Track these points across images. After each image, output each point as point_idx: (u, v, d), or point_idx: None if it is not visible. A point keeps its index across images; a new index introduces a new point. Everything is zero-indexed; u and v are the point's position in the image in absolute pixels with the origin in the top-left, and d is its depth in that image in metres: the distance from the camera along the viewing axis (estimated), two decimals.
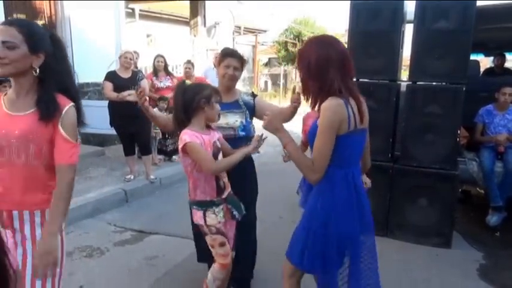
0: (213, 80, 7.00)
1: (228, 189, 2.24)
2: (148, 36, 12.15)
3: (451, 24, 3.32)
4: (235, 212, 2.23)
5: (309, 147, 1.90)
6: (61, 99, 1.55)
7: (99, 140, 6.44)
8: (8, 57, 1.43)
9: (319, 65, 1.68)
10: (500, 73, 5.96)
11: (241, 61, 2.53)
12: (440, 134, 3.45)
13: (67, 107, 1.54)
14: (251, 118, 2.59)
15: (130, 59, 4.95)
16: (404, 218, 3.61)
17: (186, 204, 2.34)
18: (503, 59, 6.19)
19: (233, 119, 2.47)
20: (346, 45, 2.20)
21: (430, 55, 3.41)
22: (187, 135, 2.02)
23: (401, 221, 3.62)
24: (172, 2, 10.54)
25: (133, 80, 4.85)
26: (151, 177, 5.16)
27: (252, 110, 2.58)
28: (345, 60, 1.70)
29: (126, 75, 4.86)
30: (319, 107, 1.67)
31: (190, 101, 2.09)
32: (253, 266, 2.83)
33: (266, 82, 21.28)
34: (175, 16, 11.72)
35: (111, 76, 4.81)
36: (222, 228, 2.21)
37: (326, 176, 1.68)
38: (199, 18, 9.55)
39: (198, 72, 6.86)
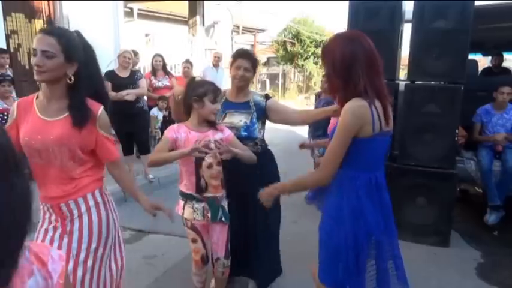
0: (213, 79, 7.01)
1: (216, 193, 2.24)
2: (147, 35, 12.13)
3: (450, 23, 3.33)
4: (220, 216, 2.27)
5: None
6: (92, 104, 1.65)
7: None
8: (45, 66, 1.51)
9: (344, 63, 1.60)
10: (498, 72, 5.98)
11: (253, 62, 2.52)
12: (439, 134, 3.46)
13: (99, 111, 1.66)
14: (262, 120, 2.58)
15: (129, 59, 4.95)
16: (402, 217, 3.60)
17: None
18: (501, 59, 6.21)
19: (238, 119, 2.49)
20: None
21: (429, 54, 3.42)
22: (169, 128, 2.22)
23: (400, 220, 3.57)
24: (171, 1, 10.53)
25: (132, 80, 4.85)
26: (150, 176, 5.17)
27: (262, 112, 2.55)
28: (373, 57, 1.61)
29: (124, 74, 4.86)
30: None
31: (186, 97, 2.20)
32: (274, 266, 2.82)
33: (265, 82, 21.27)
34: (174, 15, 11.71)
35: (109, 75, 4.80)
36: (197, 226, 2.30)
37: (349, 180, 1.64)
38: (197, 18, 9.53)
39: (196, 72, 6.86)
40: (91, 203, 1.71)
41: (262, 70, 22.60)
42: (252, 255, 2.60)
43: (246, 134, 2.48)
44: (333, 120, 2.71)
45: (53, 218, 1.68)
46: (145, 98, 5.42)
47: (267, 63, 24.80)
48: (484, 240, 3.71)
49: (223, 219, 2.29)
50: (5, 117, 4.44)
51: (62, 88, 1.60)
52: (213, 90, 2.17)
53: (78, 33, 1.68)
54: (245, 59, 2.49)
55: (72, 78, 1.59)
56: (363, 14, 3.59)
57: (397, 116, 3.73)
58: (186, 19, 11.18)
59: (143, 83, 5.02)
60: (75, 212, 1.67)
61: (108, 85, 4.75)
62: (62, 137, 1.58)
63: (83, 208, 1.68)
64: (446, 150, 3.45)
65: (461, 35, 3.30)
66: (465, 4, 3.29)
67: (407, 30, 3.77)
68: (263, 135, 2.63)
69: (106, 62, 6.00)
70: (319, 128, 4.60)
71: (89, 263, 1.66)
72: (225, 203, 2.31)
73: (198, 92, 2.15)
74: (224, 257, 2.34)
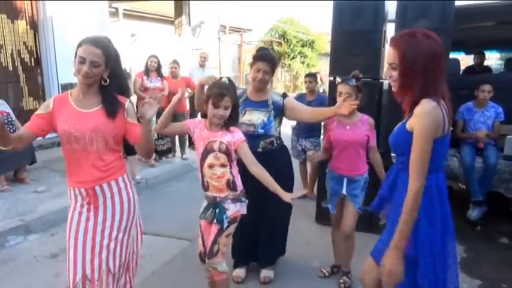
0: (198, 79, 6.99)
1: (219, 193, 2.23)
2: (132, 35, 12.03)
3: (431, 23, 3.38)
4: (214, 218, 2.25)
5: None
6: (120, 98, 1.95)
7: None
8: (92, 73, 1.81)
9: (426, 61, 1.56)
10: (480, 71, 6.11)
11: (272, 64, 2.66)
12: None
13: (126, 103, 1.96)
14: (279, 118, 2.76)
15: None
16: None
17: (173, 204, 2.40)
18: (483, 57, 6.35)
19: (256, 117, 2.64)
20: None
21: None
22: (194, 119, 2.39)
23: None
24: (157, 1, 10.47)
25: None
26: (137, 177, 5.14)
27: (280, 110, 2.73)
28: (442, 56, 1.58)
29: None
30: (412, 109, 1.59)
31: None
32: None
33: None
34: (159, 15, 11.62)
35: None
36: (201, 223, 2.35)
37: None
38: (184, 18, 9.52)
39: (183, 72, 6.84)
40: (122, 185, 1.98)
41: (248, 69, 22.62)
42: (260, 241, 2.86)
43: (262, 131, 2.65)
44: (330, 126, 2.77)
45: (85, 200, 1.91)
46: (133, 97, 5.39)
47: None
48: (467, 235, 3.80)
49: (214, 221, 2.24)
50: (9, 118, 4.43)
51: (96, 86, 1.89)
52: (216, 94, 2.13)
53: (108, 39, 1.93)
54: (265, 62, 2.63)
55: (107, 80, 1.88)
56: (348, 14, 3.64)
57: (381, 114, 3.80)
58: (172, 19, 11.14)
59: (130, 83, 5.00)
60: (108, 193, 1.93)
61: None
62: (98, 125, 1.86)
63: (115, 190, 1.95)
64: None
65: (443, 35, 3.33)
66: (446, 4, 3.37)
67: (390, 29, 3.84)
68: (279, 132, 2.81)
69: None
70: (305, 130, 4.73)
71: (120, 236, 1.94)
72: (229, 205, 2.23)
73: (206, 93, 2.22)
74: (207, 258, 2.28)
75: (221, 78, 2.30)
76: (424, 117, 1.53)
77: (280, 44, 20.50)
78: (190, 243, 3.55)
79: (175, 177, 5.85)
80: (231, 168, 2.22)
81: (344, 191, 2.72)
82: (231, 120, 2.24)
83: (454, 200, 3.83)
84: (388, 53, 1.68)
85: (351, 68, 3.62)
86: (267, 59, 2.65)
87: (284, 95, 2.83)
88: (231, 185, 2.23)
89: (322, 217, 3.96)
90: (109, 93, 1.90)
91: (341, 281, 2.86)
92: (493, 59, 13.26)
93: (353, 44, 3.64)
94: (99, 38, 1.90)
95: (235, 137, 2.20)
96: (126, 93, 2.03)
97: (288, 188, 2.74)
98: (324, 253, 3.24)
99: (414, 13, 3.45)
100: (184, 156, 6.53)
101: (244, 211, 2.30)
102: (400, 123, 1.75)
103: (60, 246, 3.41)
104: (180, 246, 3.51)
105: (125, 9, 10.80)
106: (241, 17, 17.30)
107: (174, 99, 2.25)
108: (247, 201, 2.31)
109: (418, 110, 1.56)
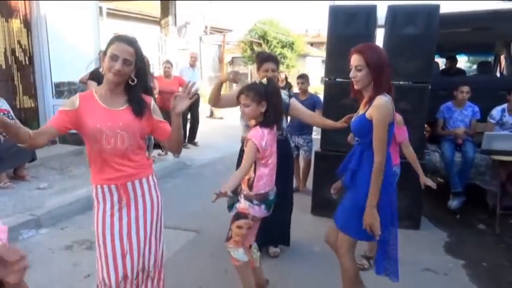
0: (189, 78, 7.16)
1: (242, 184, 2.41)
2: (114, 34, 12.01)
3: (418, 29, 3.72)
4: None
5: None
6: (145, 97, 1.97)
7: (76, 139, 6.41)
8: (123, 71, 1.82)
9: (385, 63, 2.11)
10: (455, 73, 6.56)
11: (276, 62, 2.94)
12: (410, 128, 3.83)
13: (151, 102, 1.99)
14: (286, 113, 3.02)
15: None
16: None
17: (172, 199, 2.62)
18: (455, 61, 6.83)
19: None
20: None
21: (400, 57, 3.79)
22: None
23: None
24: (141, 1, 10.53)
25: None
26: None
27: (286, 107, 3.00)
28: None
29: None
30: (370, 103, 2.09)
31: None
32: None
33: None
34: (144, 15, 11.67)
35: (96, 75, 4.88)
36: None
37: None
38: (170, 18, 9.63)
39: (174, 72, 6.99)
40: (151, 183, 2.04)
41: (227, 70, 22.79)
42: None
43: None
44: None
45: (115, 198, 1.93)
46: None
47: (231, 62, 25.00)
48: (449, 223, 4.17)
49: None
50: (9, 115, 4.45)
51: (123, 85, 1.91)
52: (240, 91, 2.35)
53: (135, 39, 1.92)
54: (270, 61, 2.88)
55: (135, 79, 1.90)
56: (342, 19, 3.93)
57: None
58: (156, 19, 11.21)
59: None
60: (139, 191, 1.97)
61: (94, 84, 4.83)
62: (128, 123, 1.88)
63: (145, 187, 2.00)
64: (417, 143, 3.83)
65: (428, 40, 3.71)
66: (431, 12, 3.70)
67: (379, 34, 4.15)
68: (284, 128, 3.12)
69: (84, 61, 6.02)
70: (298, 127, 4.97)
71: (153, 235, 2.02)
72: (241, 199, 2.41)
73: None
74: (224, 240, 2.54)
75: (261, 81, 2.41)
76: (381, 108, 2.03)
77: (260, 44, 20.78)
78: (197, 234, 3.75)
79: (170, 174, 5.98)
80: (255, 167, 2.35)
81: None
82: (265, 119, 2.34)
83: (436, 192, 4.22)
84: (354, 58, 2.14)
85: (345, 69, 3.92)
86: (271, 58, 2.96)
87: (290, 95, 3.14)
88: (249, 183, 2.38)
89: (318, 209, 4.24)
90: (136, 93, 1.91)
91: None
92: (462, 62, 14.07)
93: (347, 47, 3.90)
94: (130, 36, 1.92)
95: (249, 134, 2.33)
96: (149, 92, 2.05)
97: (287, 178, 3.08)
98: (322, 240, 3.50)
99: (402, 19, 3.77)
100: (176, 154, 6.68)
101: (255, 213, 2.38)
102: (358, 114, 2.23)
103: (72, 239, 3.54)
104: (188, 237, 3.69)
105: (108, 9, 10.80)
106: (222, 17, 17.47)
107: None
108: (261, 206, 2.38)
109: (376, 103, 2.04)
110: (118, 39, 1.83)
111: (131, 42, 1.85)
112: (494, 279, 3.06)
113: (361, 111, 2.21)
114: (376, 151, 2.06)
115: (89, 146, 1.89)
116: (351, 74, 2.17)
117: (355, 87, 2.17)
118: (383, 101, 2.03)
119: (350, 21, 3.90)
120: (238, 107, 2.48)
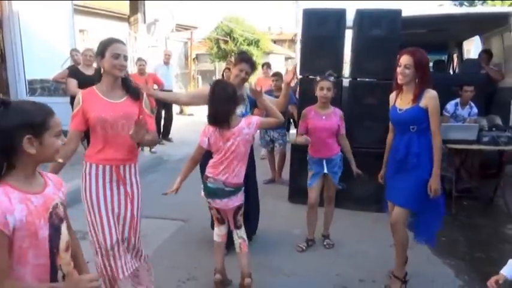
0: (163, 76, 7.30)
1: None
2: (81, 31, 11.82)
3: (383, 31, 4.12)
4: None
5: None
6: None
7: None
8: (124, 65, 2.15)
9: (428, 66, 2.66)
10: None
11: (252, 65, 3.13)
12: (377, 121, 4.24)
13: (144, 94, 2.29)
14: (252, 109, 3.26)
15: (91, 56, 5.12)
16: (350, 191, 4.36)
17: (154, 193, 2.86)
18: None
19: (238, 109, 2.98)
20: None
21: (367, 56, 4.19)
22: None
23: (348, 193, 4.37)
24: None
25: (97, 77, 5.01)
26: None
27: (252, 103, 3.19)
28: None
29: (89, 72, 5.03)
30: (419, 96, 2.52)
31: None
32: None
33: (197, 78, 21.46)
34: (112, 12, 11.55)
35: (74, 73, 4.95)
36: None
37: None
38: (139, 15, 9.65)
39: (148, 69, 7.10)
40: (137, 169, 2.32)
41: (192, 67, 22.77)
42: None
43: None
44: (309, 115, 3.34)
45: (114, 177, 2.20)
46: None
47: (196, 59, 24.94)
48: None
49: None
50: None
51: (119, 79, 2.20)
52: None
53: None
54: (247, 64, 3.10)
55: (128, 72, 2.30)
56: (314, 21, 4.26)
57: (342, 107, 4.48)
58: (125, 16, 11.15)
59: None
60: (127, 174, 2.24)
61: (74, 82, 4.90)
62: (129, 113, 2.15)
63: (133, 171, 2.28)
64: (383, 134, 4.23)
65: (392, 41, 4.12)
66: (394, 16, 4.11)
67: (348, 35, 4.52)
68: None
69: (58, 59, 6.05)
70: None
71: (139, 214, 2.34)
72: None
73: None
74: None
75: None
76: (436, 98, 2.51)
77: (226, 42, 20.91)
78: (184, 222, 3.96)
79: (147, 169, 6.06)
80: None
81: (325, 170, 3.35)
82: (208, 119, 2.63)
83: None
84: (404, 58, 2.53)
85: (318, 67, 4.27)
86: (250, 62, 3.17)
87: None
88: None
89: (295, 196, 4.57)
90: (130, 82, 2.24)
91: (325, 243, 3.50)
92: None
93: (319, 47, 4.27)
94: (117, 38, 2.26)
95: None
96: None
97: (250, 173, 3.23)
98: (301, 224, 3.80)
99: (369, 22, 4.16)
100: (153, 149, 6.80)
101: (203, 195, 2.73)
102: (407, 106, 2.61)
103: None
104: (176, 225, 3.91)
105: (75, 5, 10.60)
106: (188, 14, 17.50)
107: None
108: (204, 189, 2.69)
109: (430, 95, 2.51)
110: (113, 41, 2.15)
111: (122, 41, 2.22)
112: (452, 250, 3.51)
113: (403, 104, 2.63)
114: (435, 133, 2.52)
115: (94, 133, 2.17)
116: (399, 70, 2.56)
117: (399, 82, 2.59)
118: (435, 93, 2.50)
119: (322, 23, 4.24)
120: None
